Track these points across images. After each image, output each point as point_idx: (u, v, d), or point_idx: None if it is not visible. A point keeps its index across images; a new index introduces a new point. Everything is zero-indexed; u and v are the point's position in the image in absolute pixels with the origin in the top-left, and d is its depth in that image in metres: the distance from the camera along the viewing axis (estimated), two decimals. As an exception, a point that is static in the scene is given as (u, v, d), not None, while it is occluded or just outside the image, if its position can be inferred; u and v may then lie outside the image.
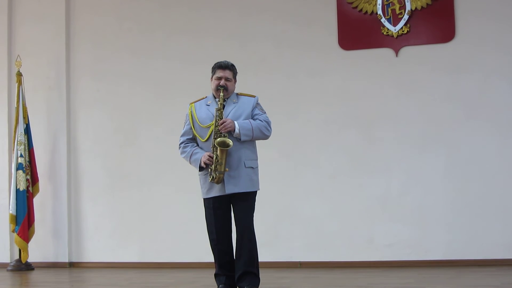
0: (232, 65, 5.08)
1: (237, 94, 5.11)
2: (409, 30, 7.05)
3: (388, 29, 7.10)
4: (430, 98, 6.99)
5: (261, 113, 5.06)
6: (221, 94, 4.94)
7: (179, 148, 5.13)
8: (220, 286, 5.01)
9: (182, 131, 5.15)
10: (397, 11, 7.08)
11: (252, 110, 5.04)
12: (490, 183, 6.77)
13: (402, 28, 7.06)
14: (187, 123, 5.12)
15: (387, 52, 7.13)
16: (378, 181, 7.03)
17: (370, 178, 7.05)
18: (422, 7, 7.03)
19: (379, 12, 7.13)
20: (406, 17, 7.06)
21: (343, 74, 7.22)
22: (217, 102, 4.98)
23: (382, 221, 6.98)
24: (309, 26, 7.33)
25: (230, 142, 4.80)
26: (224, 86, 4.98)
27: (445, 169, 6.89)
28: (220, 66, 5.04)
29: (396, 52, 7.09)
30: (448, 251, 6.80)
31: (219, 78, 5.00)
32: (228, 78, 5.01)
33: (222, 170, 4.80)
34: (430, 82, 7.00)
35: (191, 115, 5.08)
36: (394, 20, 7.10)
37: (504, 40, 6.85)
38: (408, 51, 7.08)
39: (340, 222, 7.08)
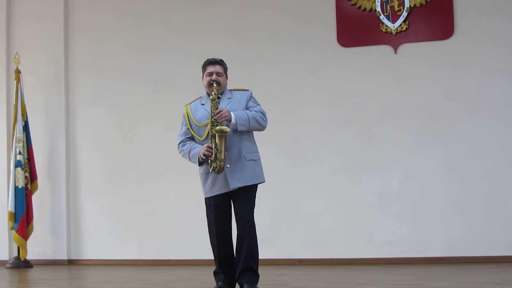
0: (222, 60, 5.10)
1: (230, 90, 5.11)
2: (408, 27, 7.04)
3: (387, 26, 7.10)
4: (429, 95, 6.99)
5: (255, 105, 5.07)
6: (214, 85, 4.94)
7: (178, 147, 5.13)
8: (219, 283, 5.00)
9: (180, 132, 5.15)
10: (396, 8, 7.07)
11: (247, 103, 5.05)
12: (490, 179, 6.77)
13: (401, 25, 7.06)
14: (184, 125, 5.12)
15: (386, 49, 7.12)
16: (377, 178, 7.02)
17: (369, 175, 7.05)
18: (421, 4, 7.02)
19: (378, 9, 7.13)
20: (405, 14, 7.05)
21: (342, 71, 7.21)
22: (210, 98, 4.98)
23: (381, 218, 6.98)
24: (308, 23, 7.33)
25: (228, 128, 4.80)
26: (216, 80, 4.98)
27: (444, 166, 6.89)
28: (210, 62, 5.06)
29: (395, 49, 7.08)
30: (447, 248, 6.80)
31: (211, 74, 5.01)
32: (219, 72, 5.02)
33: (222, 157, 4.78)
34: (429, 79, 6.99)
35: (187, 117, 5.08)
36: (393, 17, 7.09)
37: (503, 37, 6.85)
38: (407, 48, 7.07)
39: (339, 219, 7.08)
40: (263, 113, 5.02)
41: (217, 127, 4.80)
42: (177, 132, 5.19)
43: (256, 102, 5.10)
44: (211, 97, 4.95)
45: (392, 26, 7.08)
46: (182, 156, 5.11)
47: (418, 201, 6.92)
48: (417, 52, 7.04)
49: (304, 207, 7.18)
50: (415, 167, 6.96)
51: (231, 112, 4.88)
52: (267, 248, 6.73)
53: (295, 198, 7.21)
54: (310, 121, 7.25)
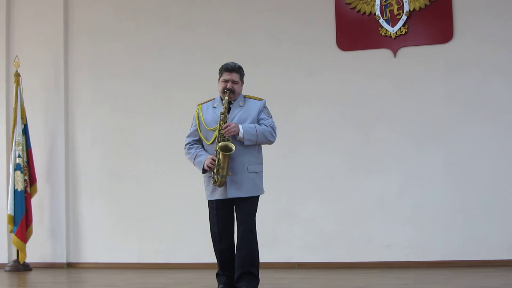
0: (240, 67, 5.07)
1: (244, 96, 5.09)
2: (407, 30, 7.05)
3: (386, 29, 7.10)
4: (428, 98, 6.99)
5: (267, 117, 5.03)
6: (226, 97, 4.92)
7: (185, 148, 5.14)
8: (220, 286, 5.02)
9: (189, 132, 5.14)
10: (395, 12, 7.08)
11: (258, 114, 5.02)
12: (489, 183, 6.77)
13: (400, 28, 7.06)
14: (193, 125, 5.12)
15: (385, 53, 7.13)
16: (376, 182, 7.02)
17: (368, 179, 7.04)
18: (420, 7, 7.03)
19: (377, 13, 7.13)
20: (404, 17, 7.06)
21: (341, 75, 7.22)
22: (220, 112, 4.97)
23: (380, 222, 6.98)
24: (307, 26, 7.33)
25: (233, 146, 4.78)
26: (230, 89, 4.96)
27: (444, 170, 6.89)
28: (227, 68, 5.01)
29: (394, 53, 7.09)
30: (447, 252, 6.80)
31: (226, 81, 4.98)
32: (235, 80, 4.99)
33: (224, 174, 4.80)
34: (428, 82, 7.00)
35: (198, 117, 5.08)
36: (392, 21, 7.10)
37: (502, 40, 6.85)
38: (406, 52, 7.08)
39: (338, 222, 7.07)
40: (273, 128, 5.00)
41: (221, 144, 4.79)
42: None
43: (268, 114, 5.07)
44: (221, 109, 4.92)
45: (392, 30, 7.08)
46: (188, 159, 5.11)
47: (417, 205, 6.92)
48: (416, 56, 7.04)
49: (303, 211, 7.17)
50: (414, 170, 6.96)
51: (240, 126, 4.86)
52: (266, 251, 6.70)
53: (294, 201, 7.21)
54: (310, 124, 7.25)
